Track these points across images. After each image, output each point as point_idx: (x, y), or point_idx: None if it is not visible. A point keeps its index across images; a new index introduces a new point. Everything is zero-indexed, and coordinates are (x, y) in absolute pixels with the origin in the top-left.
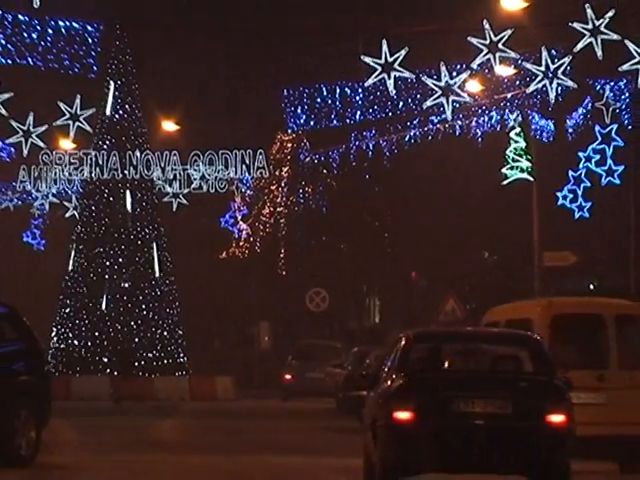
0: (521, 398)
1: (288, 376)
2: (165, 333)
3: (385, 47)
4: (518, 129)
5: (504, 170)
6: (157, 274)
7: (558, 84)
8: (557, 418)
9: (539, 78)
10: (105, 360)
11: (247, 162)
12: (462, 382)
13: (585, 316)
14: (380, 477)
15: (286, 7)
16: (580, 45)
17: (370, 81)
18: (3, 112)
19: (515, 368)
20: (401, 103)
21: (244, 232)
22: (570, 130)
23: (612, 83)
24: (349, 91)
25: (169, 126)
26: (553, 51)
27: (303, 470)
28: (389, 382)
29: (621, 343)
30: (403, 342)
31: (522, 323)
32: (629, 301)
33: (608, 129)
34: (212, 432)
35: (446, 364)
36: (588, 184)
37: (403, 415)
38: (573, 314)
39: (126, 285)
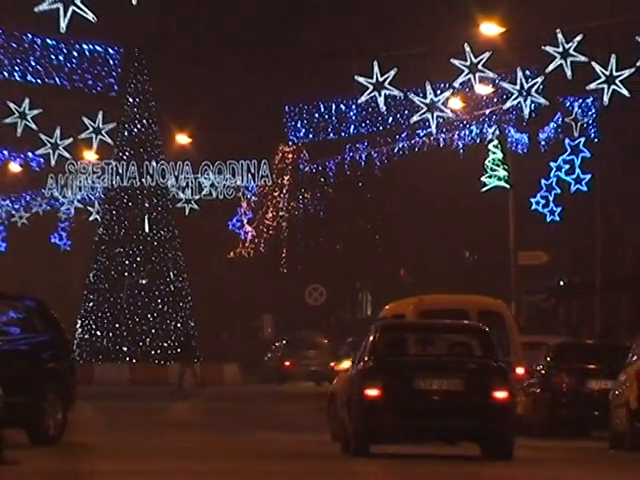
0: (471, 378)
1: (287, 362)
2: (178, 325)
3: (376, 68)
4: (496, 142)
5: (483, 179)
6: (171, 272)
7: (532, 101)
8: (501, 394)
9: (514, 96)
10: (124, 349)
11: (252, 171)
12: (422, 364)
13: (451, 311)
14: (354, 445)
15: (287, 31)
16: (551, 66)
17: (363, 98)
18: (33, 126)
19: (467, 353)
20: (390, 118)
21: (249, 234)
22: (542, 142)
23: (580, 100)
24: (344, 107)
25: (182, 139)
26: (527, 71)
27: (291, 445)
28: (361, 365)
29: None
30: (373, 332)
31: (399, 318)
32: (492, 299)
33: (576, 142)
34: (218, 413)
35: (409, 350)
36: (558, 191)
37: (372, 392)
38: (440, 310)
39: (143, 282)
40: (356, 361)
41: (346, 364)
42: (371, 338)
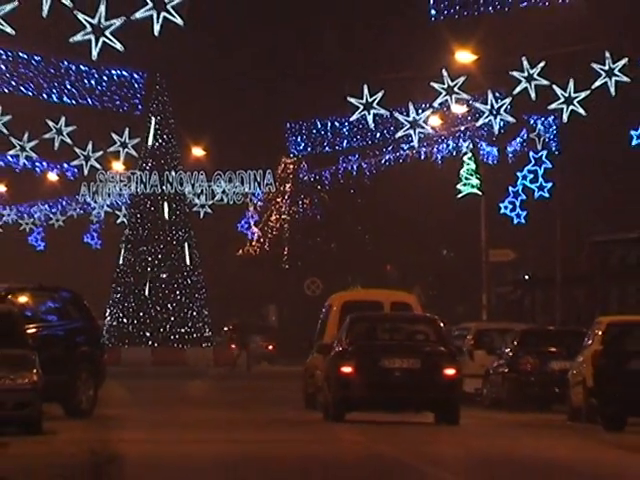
0: (427, 358)
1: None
2: (194, 313)
3: (366, 90)
4: (469, 154)
5: (459, 186)
6: (188, 267)
7: (500, 119)
8: (450, 372)
9: (486, 114)
10: (147, 334)
11: (258, 180)
12: (387, 347)
13: (368, 302)
14: (332, 412)
15: (290, 59)
16: (518, 89)
17: (354, 117)
18: (68, 141)
19: (423, 339)
20: (378, 134)
21: (256, 235)
22: (510, 155)
23: (543, 118)
24: (338, 124)
25: (197, 151)
26: (496, 93)
27: (289, 419)
28: (338, 348)
29: None
30: (347, 322)
31: (329, 308)
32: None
33: (540, 154)
34: (229, 390)
35: (377, 336)
36: (524, 197)
37: (346, 369)
38: (358, 301)
39: (164, 276)
40: (335, 344)
41: None
42: (346, 327)
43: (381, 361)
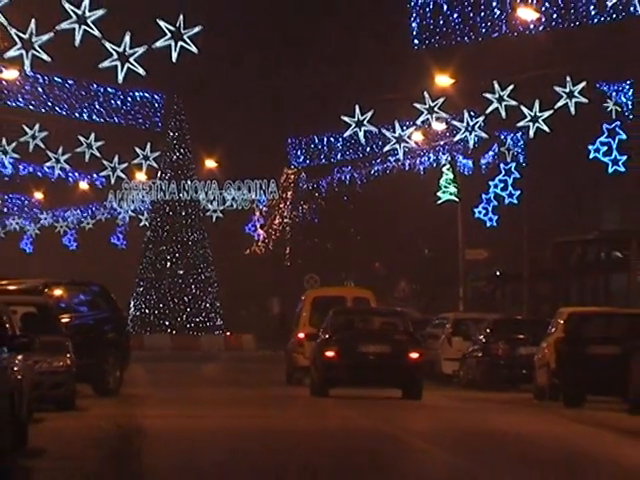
0: (395, 344)
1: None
2: (207, 305)
3: (357, 109)
4: (448, 166)
5: (438, 194)
6: (202, 265)
7: (475, 135)
8: (415, 355)
9: (462, 131)
10: (167, 323)
11: (263, 188)
12: (363, 336)
13: (333, 297)
14: (317, 389)
15: (291, 83)
16: (490, 108)
17: (347, 133)
18: (97, 154)
19: (392, 328)
20: (368, 148)
21: (261, 236)
22: (483, 166)
23: (512, 134)
24: (333, 139)
25: (210, 163)
26: (471, 112)
27: (283, 395)
28: (323, 337)
29: None
30: (331, 315)
31: (303, 301)
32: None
33: (509, 166)
34: (238, 372)
35: (355, 326)
36: (496, 203)
37: (330, 354)
38: (326, 296)
39: (181, 272)
40: (320, 333)
41: None
42: (329, 319)
43: (358, 347)
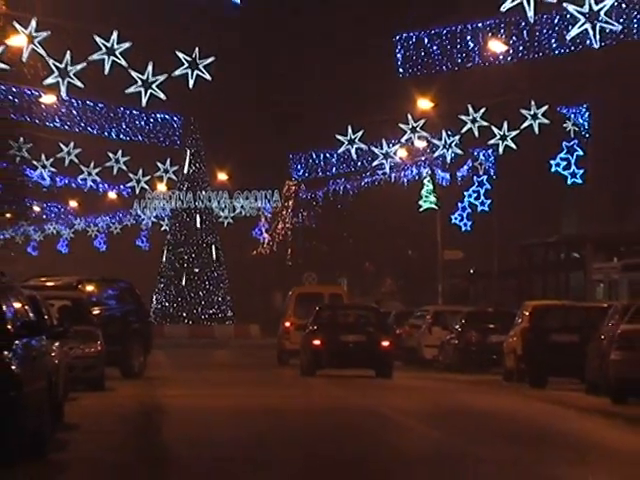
0: (370, 334)
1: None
2: (219, 299)
3: (350, 129)
4: (428, 178)
5: (420, 202)
6: (215, 264)
7: (452, 152)
8: (385, 343)
9: (440, 148)
10: (184, 314)
11: (268, 198)
12: (343, 327)
13: (314, 294)
14: (306, 370)
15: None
16: (465, 128)
17: (341, 150)
18: (124, 168)
19: (367, 321)
20: (359, 163)
21: (266, 239)
22: (459, 179)
23: (484, 151)
24: (328, 155)
25: (222, 176)
26: (449, 132)
27: (284, 376)
28: (311, 328)
29: None
30: (316, 310)
31: (289, 296)
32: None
33: (481, 178)
34: (245, 357)
35: (337, 319)
36: (470, 211)
37: (316, 342)
38: (307, 292)
39: (196, 270)
40: (309, 325)
41: None
42: (315, 314)
43: (339, 337)
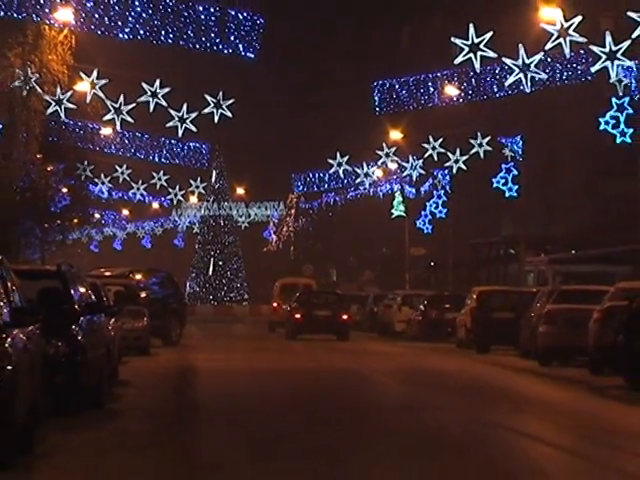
0: (334, 310)
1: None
2: (238, 285)
3: (338, 156)
4: (399, 192)
5: (392, 211)
6: (234, 258)
7: (417, 172)
8: (345, 317)
9: (408, 169)
10: (210, 297)
11: (275, 207)
12: (316, 305)
13: (292, 284)
14: (290, 335)
15: (293, 135)
16: (427, 154)
17: (332, 170)
18: (164, 184)
19: (332, 301)
20: (346, 180)
21: (274, 239)
22: (422, 192)
23: (442, 171)
24: (322, 175)
25: (240, 190)
26: (414, 157)
27: (298, 345)
28: (293, 305)
29: None
30: (298, 294)
31: (275, 285)
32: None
33: (440, 192)
34: (259, 330)
35: (312, 300)
36: (430, 217)
37: (297, 316)
38: (288, 283)
39: (220, 263)
40: (292, 303)
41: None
42: (296, 297)
43: (313, 312)
